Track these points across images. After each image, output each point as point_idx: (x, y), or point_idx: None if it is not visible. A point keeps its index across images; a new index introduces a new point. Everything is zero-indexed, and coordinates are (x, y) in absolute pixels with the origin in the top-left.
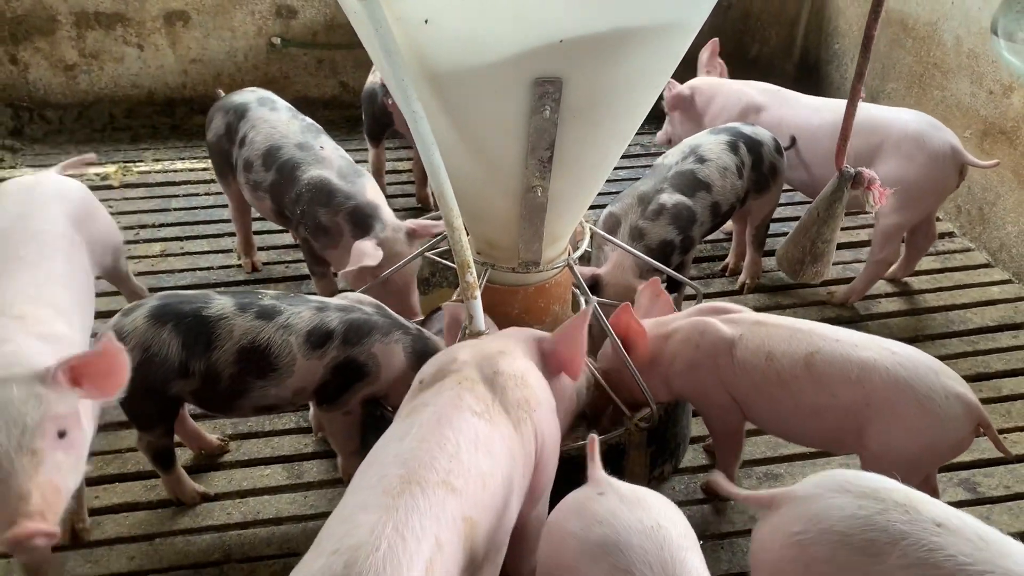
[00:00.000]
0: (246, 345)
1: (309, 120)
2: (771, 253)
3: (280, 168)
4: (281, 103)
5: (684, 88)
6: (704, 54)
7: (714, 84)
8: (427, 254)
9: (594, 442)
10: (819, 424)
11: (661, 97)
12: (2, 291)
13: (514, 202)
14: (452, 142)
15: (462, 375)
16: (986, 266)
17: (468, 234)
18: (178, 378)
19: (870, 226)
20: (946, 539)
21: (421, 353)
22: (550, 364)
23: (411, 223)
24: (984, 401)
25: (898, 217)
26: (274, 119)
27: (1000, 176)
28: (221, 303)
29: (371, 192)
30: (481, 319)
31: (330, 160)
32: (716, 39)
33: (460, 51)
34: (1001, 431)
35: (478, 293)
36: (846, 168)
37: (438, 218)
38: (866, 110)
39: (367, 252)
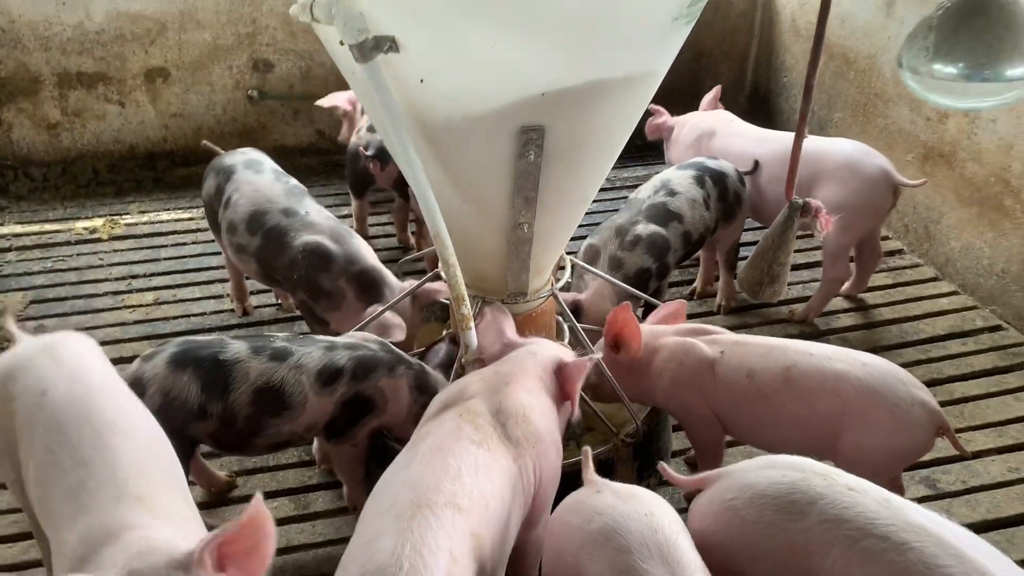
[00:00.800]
0: (261, 386)
1: (293, 181)
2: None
3: (267, 234)
4: (267, 165)
5: (669, 120)
6: (706, 99)
7: (687, 116)
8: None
9: (587, 454)
10: (798, 434)
11: (634, 138)
12: (108, 468)
13: (502, 238)
14: (445, 186)
15: (465, 407)
16: (934, 280)
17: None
18: (197, 420)
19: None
20: (857, 499)
21: (423, 386)
22: (560, 388)
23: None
24: (939, 404)
25: (841, 238)
26: (258, 181)
27: (942, 196)
28: (236, 347)
29: (369, 255)
30: (475, 348)
31: (319, 225)
32: (719, 86)
33: (452, 106)
34: (956, 431)
35: (472, 324)
36: (795, 199)
37: (436, 277)
38: (807, 142)
39: (395, 325)
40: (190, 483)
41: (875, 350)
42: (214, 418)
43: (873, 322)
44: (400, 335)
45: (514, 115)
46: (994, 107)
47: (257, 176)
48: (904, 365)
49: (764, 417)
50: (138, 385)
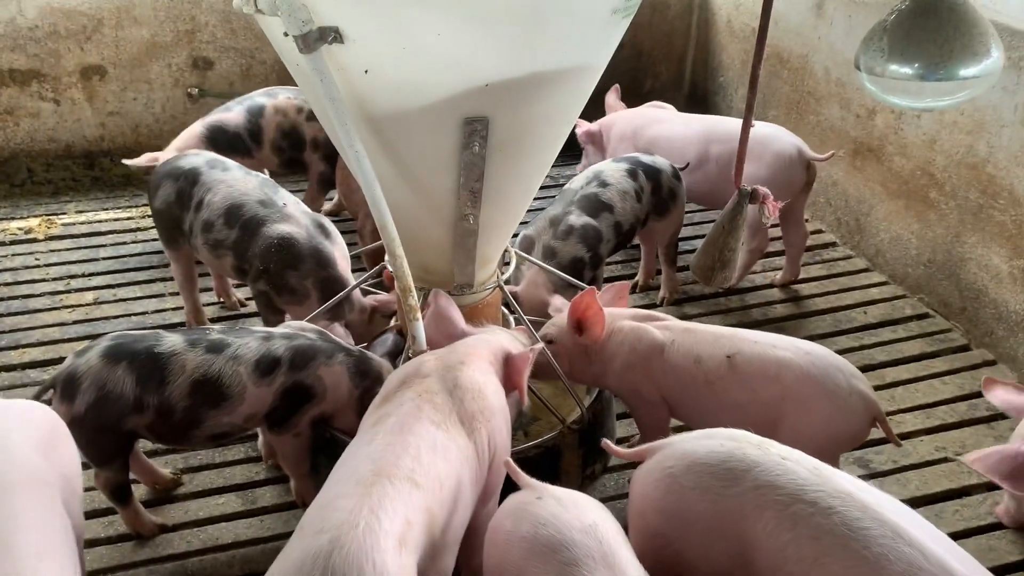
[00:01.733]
0: (198, 378)
1: (262, 176)
2: (684, 268)
3: (244, 225)
4: (231, 163)
5: (593, 125)
6: (610, 97)
7: (613, 116)
8: (364, 286)
9: (511, 464)
10: (740, 418)
11: (574, 134)
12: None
13: (448, 230)
14: (391, 177)
15: (423, 387)
16: (866, 271)
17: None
18: (133, 413)
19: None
20: (789, 467)
21: (364, 373)
22: (508, 378)
23: (373, 301)
24: (873, 388)
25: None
26: (229, 179)
27: (872, 190)
28: (172, 340)
29: (341, 263)
30: (423, 340)
31: (295, 217)
32: (617, 85)
33: (397, 97)
34: (888, 414)
35: (420, 315)
36: (743, 187)
37: (379, 274)
38: (732, 124)
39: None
40: (133, 482)
41: (811, 338)
42: (151, 410)
43: (808, 312)
44: None
45: (459, 106)
46: (949, 106)
47: (226, 174)
48: (838, 352)
49: (709, 402)
50: (72, 380)
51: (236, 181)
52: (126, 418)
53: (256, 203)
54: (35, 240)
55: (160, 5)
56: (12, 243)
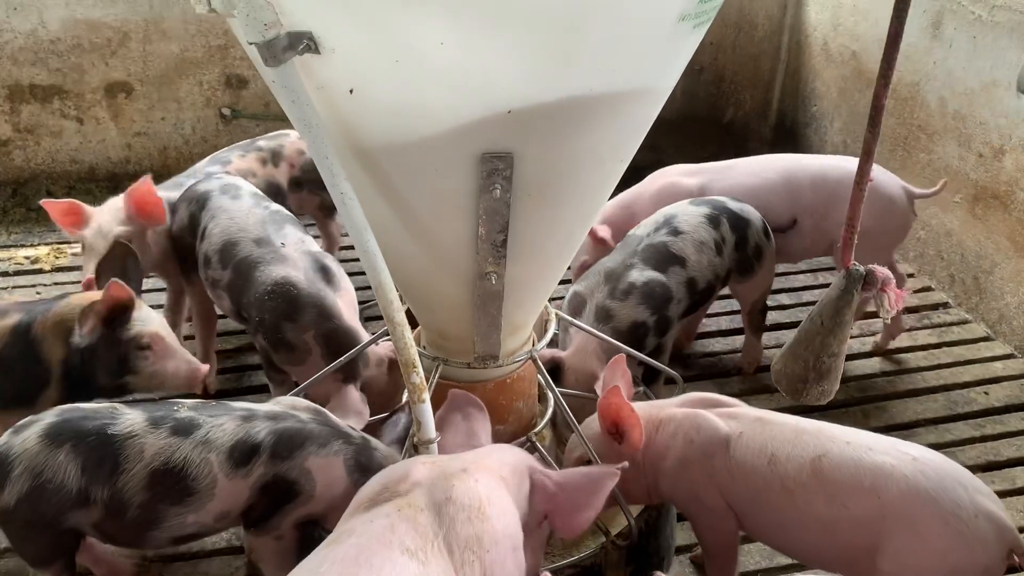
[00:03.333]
0: (158, 467)
1: (275, 207)
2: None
3: (237, 267)
4: (246, 189)
5: (598, 228)
6: (601, 231)
7: (628, 200)
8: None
9: None
10: (826, 539)
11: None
12: None
13: (466, 289)
14: (390, 224)
15: (406, 500)
16: (986, 339)
17: (416, 326)
18: (76, 508)
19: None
20: None
21: (365, 467)
22: (538, 503)
23: (389, 351)
24: (998, 495)
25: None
26: (234, 208)
27: (996, 243)
28: (131, 418)
29: (347, 311)
30: (431, 426)
31: (293, 259)
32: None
33: (392, 123)
34: (1020, 529)
35: (427, 396)
36: (854, 266)
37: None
38: (818, 162)
39: (356, 411)
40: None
41: (919, 423)
42: (99, 505)
43: (914, 389)
44: (360, 422)
45: (472, 138)
46: None
47: (233, 202)
48: (953, 444)
49: (786, 515)
50: (2, 466)
51: (238, 212)
52: (67, 514)
53: (251, 241)
54: (40, 271)
55: (191, 18)
56: (16, 273)
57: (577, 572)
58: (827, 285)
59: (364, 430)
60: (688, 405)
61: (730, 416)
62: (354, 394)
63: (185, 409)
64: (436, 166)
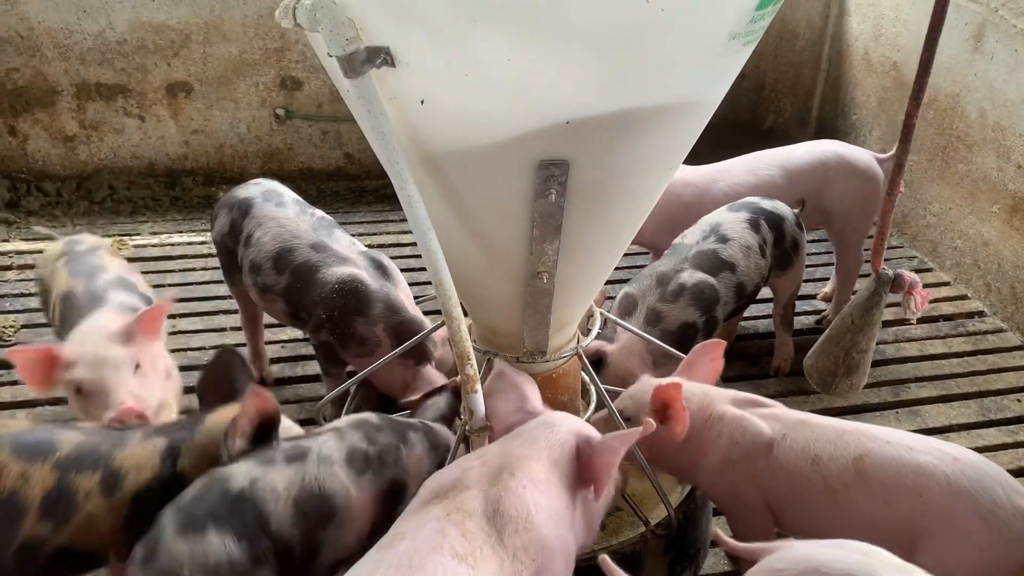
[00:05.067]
0: (297, 495)
1: (319, 213)
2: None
3: (295, 271)
4: (288, 196)
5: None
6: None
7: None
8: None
9: (606, 563)
10: (869, 537)
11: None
12: None
13: (518, 288)
14: (450, 226)
15: (455, 503)
16: (1020, 348)
17: (469, 322)
18: (256, 571)
19: None
20: None
21: (435, 445)
22: (584, 473)
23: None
24: None
25: (861, 232)
26: (281, 216)
27: None
28: (242, 470)
29: (410, 304)
30: (482, 414)
31: (352, 259)
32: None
33: (458, 132)
34: None
35: (479, 387)
36: (883, 270)
37: None
38: (802, 150)
39: (441, 383)
40: None
41: (952, 428)
42: (269, 560)
43: (948, 395)
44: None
45: (532, 146)
46: None
47: (279, 210)
48: (987, 449)
49: (830, 514)
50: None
51: (288, 220)
52: None
53: (308, 247)
54: None
55: (249, 21)
56: None
57: (617, 559)
58: None
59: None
60: (735, 403)
61: (773, 418)
62: (432, 371)
63: (281, 444)
64: (496, 172)
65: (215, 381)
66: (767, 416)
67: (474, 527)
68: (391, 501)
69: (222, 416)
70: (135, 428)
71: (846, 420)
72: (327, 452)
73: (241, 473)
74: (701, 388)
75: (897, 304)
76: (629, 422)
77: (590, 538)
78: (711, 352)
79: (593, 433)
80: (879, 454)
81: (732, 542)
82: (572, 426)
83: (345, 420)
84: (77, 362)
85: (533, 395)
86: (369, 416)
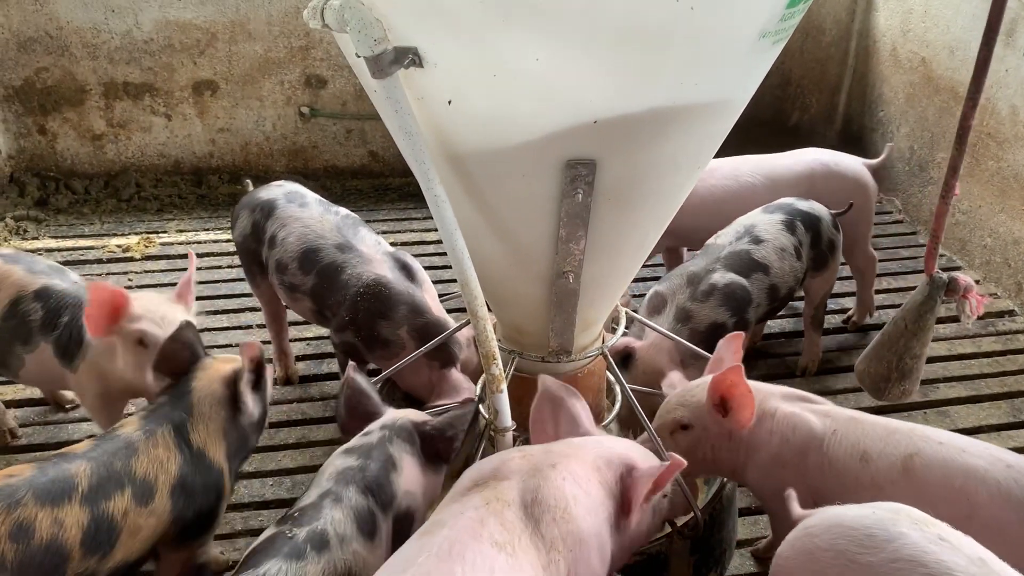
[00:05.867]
0: None
1: (344, 211)
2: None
3: (321, 272)
4: (311, 196)
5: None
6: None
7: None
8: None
9: None
10: None
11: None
12: None
13: (544, 288)
14: (476, 226)
15: (495, 493)
16: None
17: (494, 320)
18: None
19: None
20: (943, 549)
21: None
22: (623, 497)
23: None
24: None
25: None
26: (306, 216)
27: None
28: (274, 566)
29: (435, 305)
30: (507, 415)
31: (377, 260)
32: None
33: (485, 132)
34: None
35: (504, 387)
36: (937, 274)
37: None
38: (785, 160)
39: (466, 387)
40: None
41: (981, 429)
42: None
43: (979, 395)
44: (470, 395)
45: (559, 146)
46: None
47: (303, 210)
48: (1015, 450)
49: None
50: None
51: (312, 220)
52: None
53: (333, 248)
54: (131, 259)
55: (274, 20)
56: (109, 261)
57: (644, 559)
58: (891, 290)
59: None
60: (786, 399)
61: (823, 414)
62: (457, 375)
63: (294, 529)
64: (523, 172)
65: (172, 353)
66: (820, 412)
67: (513, 516)
68: (401, 533)
69: (207, 376)
70: (125, 429)
71: (900, 421)
72: (342, 530)
73: (277, 572)
74: (752, 384)
75: (945, 338)
76: (689, 430)
77: (622, 557)
78: (733, 346)
79: (641, 462)
80: (930, 454)
81: (794, 504)
82: (622, 449)
83: (327, 471)
84: (143, 316)
85: (584, 415)
86: (342, 454)
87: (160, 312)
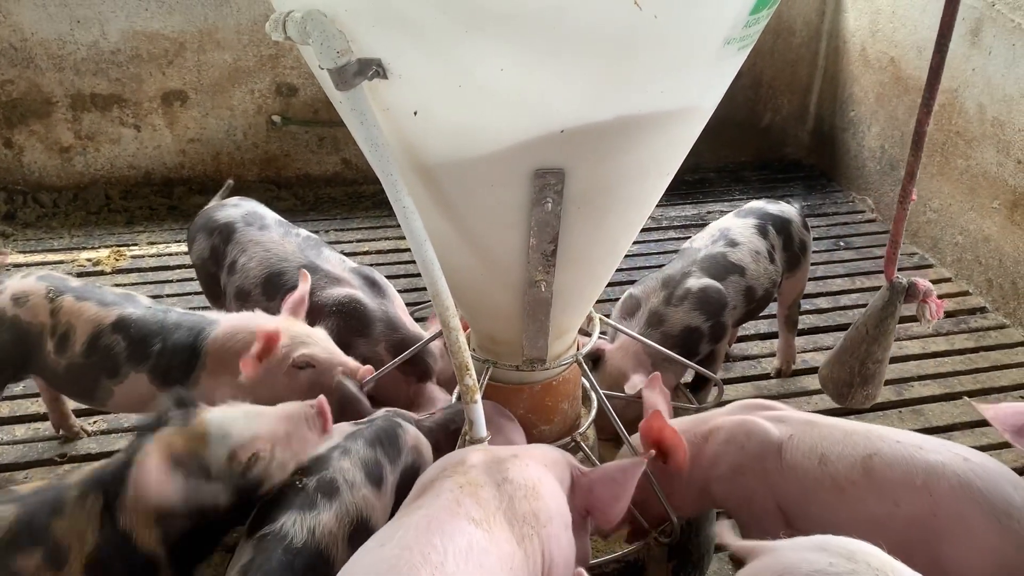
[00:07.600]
0: (349, 530)
1: (304, 232)
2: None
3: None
4: (271, 217)
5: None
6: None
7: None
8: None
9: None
10: (880, 537)
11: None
12: None
13: (516, 297)
14: (446, 236)
15: (466, 478)
16: (1023, 344)
17: (467, 329)
18: None
19: None
20: None
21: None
22: (578, 499)
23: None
24: None
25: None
26: (266, 240)
27: None
28: (290, 518)
29: (407, 317)
30: (483, 425)
31: (346, 279)
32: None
33: (452, 143)
34: None
35: (479, 397)
36: (897, 279)
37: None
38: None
39: (444, 399)
40: None
41: (955, 427)
42: None
43: (951, 393)
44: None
45: (527, 155)
46: None
47: (263, 233)
48: (991, 447)
49: (839, 512)
50: None
51: (273, 244)
52: None
53: (298, 270)
54: (102, 273)
55: (244, 29)
56: (79, 275)
57: (621, 567)
58: (864, 290)
59: None
60: (741, 411)
61: (779, 420)
62: (434, 388)
63: (303, 479)
64: (492, 182)
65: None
66: (774, 418)
67: (487, 495)
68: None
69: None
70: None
71: (854, 421)
72: (351, 477)
73: (293, 525)
74: (683, 418)
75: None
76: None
77: (585, 554)
78: (656, 389)
79: (578, 465)
80: (889, 453)
81: (731, 540)
82: (558, 452)
83: (337, 432)
84: (303, 341)
85: (519, 438)
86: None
87: (306, 332)
